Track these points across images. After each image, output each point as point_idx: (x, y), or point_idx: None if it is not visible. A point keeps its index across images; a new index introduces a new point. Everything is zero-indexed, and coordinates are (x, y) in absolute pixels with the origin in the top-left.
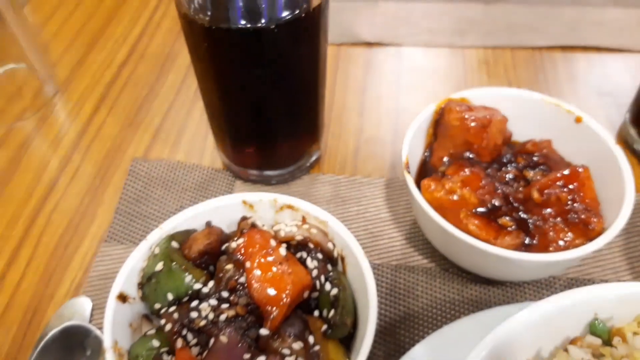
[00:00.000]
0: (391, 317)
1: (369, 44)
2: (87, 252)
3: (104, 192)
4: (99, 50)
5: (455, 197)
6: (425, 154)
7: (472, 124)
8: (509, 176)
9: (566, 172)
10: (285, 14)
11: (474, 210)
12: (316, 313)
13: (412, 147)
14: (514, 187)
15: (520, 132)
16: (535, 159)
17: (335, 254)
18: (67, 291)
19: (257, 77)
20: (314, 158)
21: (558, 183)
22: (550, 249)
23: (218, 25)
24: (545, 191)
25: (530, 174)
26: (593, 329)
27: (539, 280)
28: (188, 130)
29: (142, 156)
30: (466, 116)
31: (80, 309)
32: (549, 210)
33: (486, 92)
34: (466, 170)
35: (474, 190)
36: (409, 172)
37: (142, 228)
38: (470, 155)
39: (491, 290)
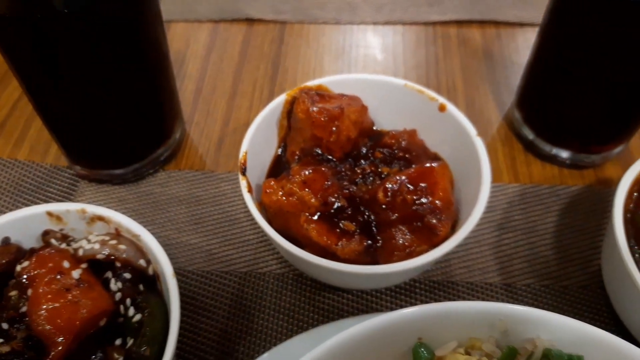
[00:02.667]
0: (233, 332)
1: (251, 21)
2: None
3: None
4: None
5: (294, 199)
6: (280, 148)
7: (319, 117)
8: (364, 173)
9: (417, 169)
10: None
11: (316, 214)
12: (119, 341)
13: (261, 142)
14: (369, 184)
15: (387, 121)
16: (395, 151)
17: (151, 271)
18: None
19: (67, 70)
20: (168, 152)
21: (407, 182)
22: (395, 255)
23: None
24: (390, 192)
25: (386, 169)
26: (416, 355)
27: (399, 285)
28: (35, 123)
29: None
30: (313, 108)
31: None
32: (394, 213)
33: (347, 78)
34: (308, 169)
35: (317, 191)
36: (244, 174)
37: None
38: (319, 151)
39: (345, 298)
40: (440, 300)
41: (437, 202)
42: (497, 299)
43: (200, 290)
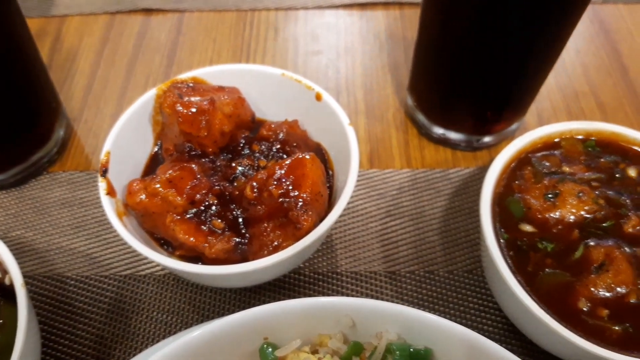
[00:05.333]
0: (109, 336)
1: (148, 11)
2: None
3: None
4: None
5: (158, 200)
6: (157, 146)
7: (185, 111)
8: (243, 167)
9: (285, 162)
10: None
11: (185, 214)
12: None
13: (132, 140)
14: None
15: (270, 112)
16: (273, 144)
17: (8, 281)
18: None
19: None
20: (52, 153)
21: (274, 176)
22: (262, 252)
23: None
24: (256, 187)
25: (263, 163)
26: (262, 355)
27: (281, 279)
28: None
29: None
30: (179, 103)
31: None
32: (262, 208)
33: (222, 69)
34: (175, 167)
35: (182, 189)
36: (104, 176)
37: None
38: (192, 147)
39: (226, 297)
40: (324, 293)
41: (304, 195)
42: (381, 288)
43: (78, 296)
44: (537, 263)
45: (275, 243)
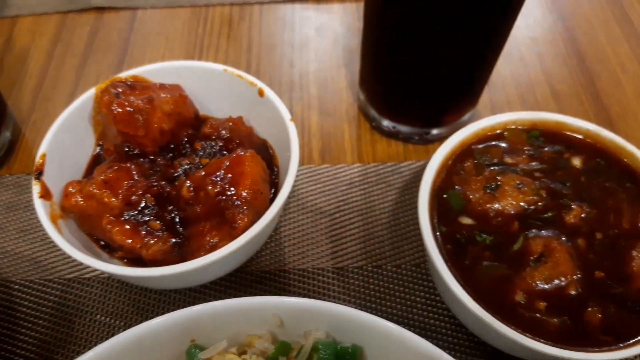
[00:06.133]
0: (52, 341)
1: (100, 10)
2: None
3: None
4: None
5: (94, 201)
6: (98, 147)
7: (121, 111)
8: (183, 167)
9: (222, 160)
10: None
11: (122, 215)
12: None
13: (72, 141)
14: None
15: (215, 109)
16: (215, 141)
17: None
18: None
19: None
20: None
21: (210, 175)
22: (200, 252)
23: None
24: (192, 187)
25: (205, 161)
26: (189, 358)
27: (227, 278)
28: None
29: None
30: (115, 102)
31: None
32: (199, 208)
33: (163, 67)
34: (112, 168)
35: (117, 191)
36: (38, 179)
37: None
38: (131, 147)
39: (171, 297)
40: (270, 292)
41: (243, 193)
42: (328, 284)
43: (22, 301)
44: (475, 256)
45: (212, 242)
